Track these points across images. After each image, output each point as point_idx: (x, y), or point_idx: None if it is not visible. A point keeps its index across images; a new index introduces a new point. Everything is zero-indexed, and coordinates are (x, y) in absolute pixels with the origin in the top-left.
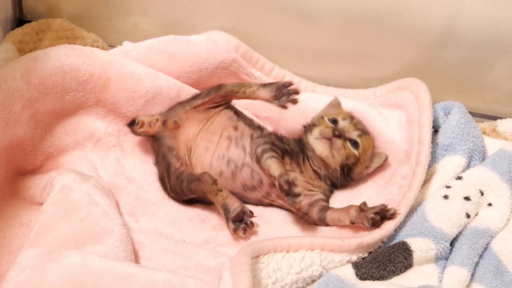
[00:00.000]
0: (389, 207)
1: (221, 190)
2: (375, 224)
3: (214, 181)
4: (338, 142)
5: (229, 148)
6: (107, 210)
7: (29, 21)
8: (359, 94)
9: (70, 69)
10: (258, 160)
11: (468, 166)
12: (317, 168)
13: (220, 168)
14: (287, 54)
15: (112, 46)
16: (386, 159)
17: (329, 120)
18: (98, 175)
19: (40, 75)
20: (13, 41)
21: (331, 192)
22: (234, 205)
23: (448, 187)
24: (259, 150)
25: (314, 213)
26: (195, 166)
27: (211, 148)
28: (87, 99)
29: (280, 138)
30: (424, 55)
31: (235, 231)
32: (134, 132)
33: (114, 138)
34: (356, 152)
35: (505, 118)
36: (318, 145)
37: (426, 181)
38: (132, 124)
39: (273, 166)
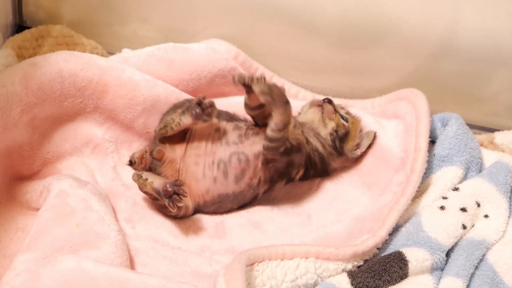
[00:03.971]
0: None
1: (146, 179)
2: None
3: (139, 176)
4: (329, 107)
5: (216, 151)
6: (103, 216)
7: (29, 27)
8: (357, 105)
9: (68, 75)
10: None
11: (465, 178)
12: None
13: (213, 174)
14: (286, 63)
15: (111, 53)
16: (375, 137)
17: None
18: (95, 181)
19: (39, 81)
20: (12, 46)
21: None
22: (159, 185)
23: (444, 198)
24: None
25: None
26: (190, 182)
27: (201, 161)
28: (85, 105)
29: None
30: (422, 66)
31: (172, 206)
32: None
33: (111, 144)
34: (345, 123)
35: (502, 130)
36: (309, 113)
37: (423, 192)
38: (131, 164)
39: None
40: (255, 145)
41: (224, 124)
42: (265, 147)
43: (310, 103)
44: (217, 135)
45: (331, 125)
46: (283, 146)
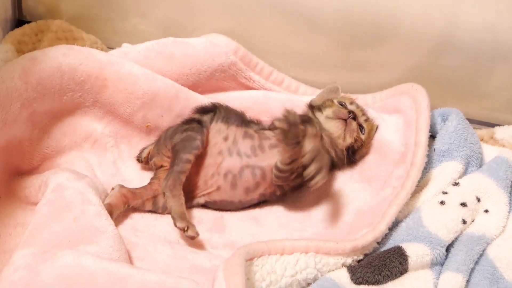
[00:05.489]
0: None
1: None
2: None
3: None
4: (354, 124)
5: (222, 162)
6: (101, 209)
7: (28, 22)
8: (359, 99)
9: (68, 70)
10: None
11: (465, 172)
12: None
13: (217, 184)
14: (286, 58)
15: (111, 48)
16: (376, 129)
17: (338, 103)
18: (95, 176)
19: (38, 75)
20: (12, 41)
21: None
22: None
23: (444, 193)
24: None
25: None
26: (189, 185)
27: (202, 171)
28: (85, 99)
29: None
30: (423, 61)
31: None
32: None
33: (111, 139)
34: (362, 136)
35: (503, 125)
36: (331, 124)
37: (423, 187)
38: (138, 161)
39: None
40: (274, 158)
41: (233, 131)
42: (275, 174)
43: (335, 113)
44: (225, 145)
45: (350, 140)
46: (294, 173)
